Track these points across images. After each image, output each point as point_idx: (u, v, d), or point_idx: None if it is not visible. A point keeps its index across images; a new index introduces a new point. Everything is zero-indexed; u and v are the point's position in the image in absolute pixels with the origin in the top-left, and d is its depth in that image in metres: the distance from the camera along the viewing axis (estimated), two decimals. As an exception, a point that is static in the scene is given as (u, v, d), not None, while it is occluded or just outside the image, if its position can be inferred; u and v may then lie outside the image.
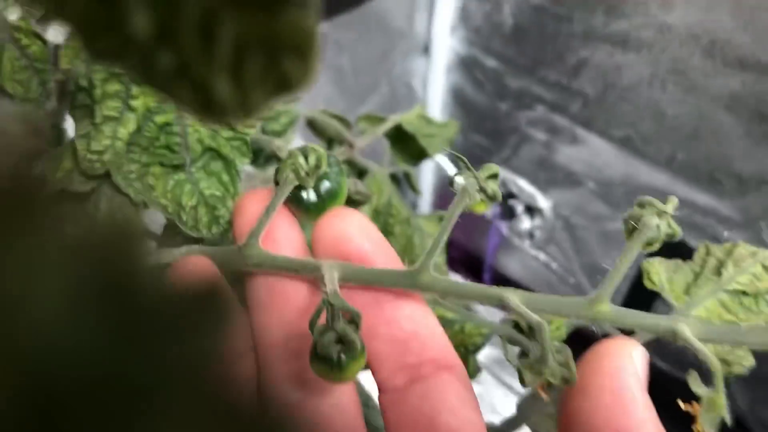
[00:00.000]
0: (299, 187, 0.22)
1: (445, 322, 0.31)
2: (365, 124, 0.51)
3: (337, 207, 0.23)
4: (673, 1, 0.59)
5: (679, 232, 0.20)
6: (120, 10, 0.09)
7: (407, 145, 0.52)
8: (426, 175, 1.01)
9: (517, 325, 0.20)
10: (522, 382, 0.19)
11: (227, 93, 0.10)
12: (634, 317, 0.20)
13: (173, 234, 0.27)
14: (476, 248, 1.07)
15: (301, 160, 0.21)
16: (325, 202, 0.22)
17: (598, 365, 0.19)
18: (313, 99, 0.73)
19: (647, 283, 0.28)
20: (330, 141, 0.48)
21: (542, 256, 0.94)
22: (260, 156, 0.44)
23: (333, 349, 0.18)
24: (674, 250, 0.76)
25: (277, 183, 0.22)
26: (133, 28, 0.09)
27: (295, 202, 0.22)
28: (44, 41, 0.20)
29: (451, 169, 0.96)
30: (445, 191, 1.03)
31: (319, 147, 0.22)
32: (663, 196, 0.68)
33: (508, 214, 0.95)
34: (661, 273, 0.28)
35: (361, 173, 0.46)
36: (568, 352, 0.20)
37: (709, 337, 0.19)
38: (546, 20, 0.72)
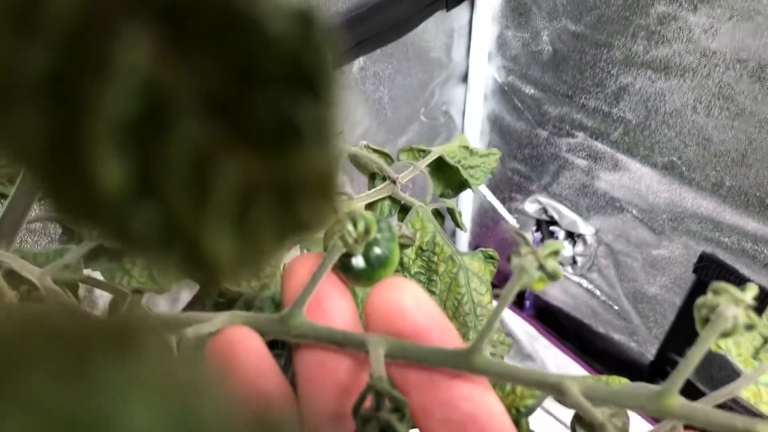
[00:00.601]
0: (348, 254, 0.21)
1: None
2: (407, 156, 0.51)
3: (388, 274, 0.22)
4: (717, 27, 0.58)
5: (758, 323, 0.19)
6: (84, 159, 0.07)
7: (448, 177, 0.52)
8: (465, 203, 1.00)
9: (579, 417, 0.19)
10: None
11: (226, 247, 0.08)
12: (705, 415, 0.18)
13: (207, 293, 0.27)
14: (517, 275, 1.05)
15: (350, 226, 0.20)
16: (375, 269, 0.21)
17: None
18: (351, 132, 0.74)
19: (713, 347, 0.27)
20: (372, 176, 0.48)
21: (585, 282, 0.92)
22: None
23: None
24: (724, 279, 0.74)
25: (325, 248, 0.21)
26: (103, 181, 0.08)
27: (343, 269, 0.21)
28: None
29: (493, 200, 0.96)
30: (484, 221, 1.02)
31: (369, 214, 0.21)
32: (710, 223, 0.66)
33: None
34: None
35: (404, 209, 0.46)
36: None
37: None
38: (585, 47, 0.71)
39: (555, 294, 0.99)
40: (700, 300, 0.19)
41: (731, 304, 0.19)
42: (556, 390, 0.19)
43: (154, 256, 0.08)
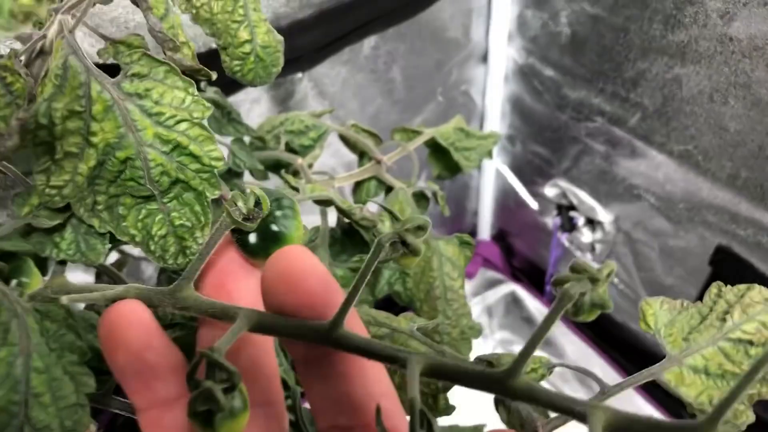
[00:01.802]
0: (244, 231, 0.21)
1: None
2: (400, 137, 0.51)
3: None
4: (734, 12, 0.56)
5: (610, 305, 0.17)
6: None
7: (447, 158, 0.52)
8: (486, 184, 0.99)
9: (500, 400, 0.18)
10: None
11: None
12: (547, 396, 0.17)
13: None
14: (539, 260, 1.04)
15: (240, 203, 0.21)
16: (268, 246, 0.21)
17: None
18: (362, 111, 0.74)
19: (641, 325, 0.26)
20: (362, 155, 0.48)
21: (603, 270, 0.91)
22: (288, 171, 0.45)
23: (202, 405, 0.17)
24: (739, 274, 0.72)
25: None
26: None
27: (240, 245, 0.22)
28: (25, 79, 0.21)
29: (515, 182, 0.95)
30: (506, 203, 1.01)
31: (261, 189, 0.21)
32: (726, 215, 0.64)
33: (569, 226, 0.92)
34: (659, 314, 0.26)
35: (388, 190, 0.46)
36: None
37: (621, 426, 0.16)
38: (603, 30, 0.70)
39: (574, 280, 0.98)
40: (554, 276, 0.17)
41: (580, 285, 0.17)
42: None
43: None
